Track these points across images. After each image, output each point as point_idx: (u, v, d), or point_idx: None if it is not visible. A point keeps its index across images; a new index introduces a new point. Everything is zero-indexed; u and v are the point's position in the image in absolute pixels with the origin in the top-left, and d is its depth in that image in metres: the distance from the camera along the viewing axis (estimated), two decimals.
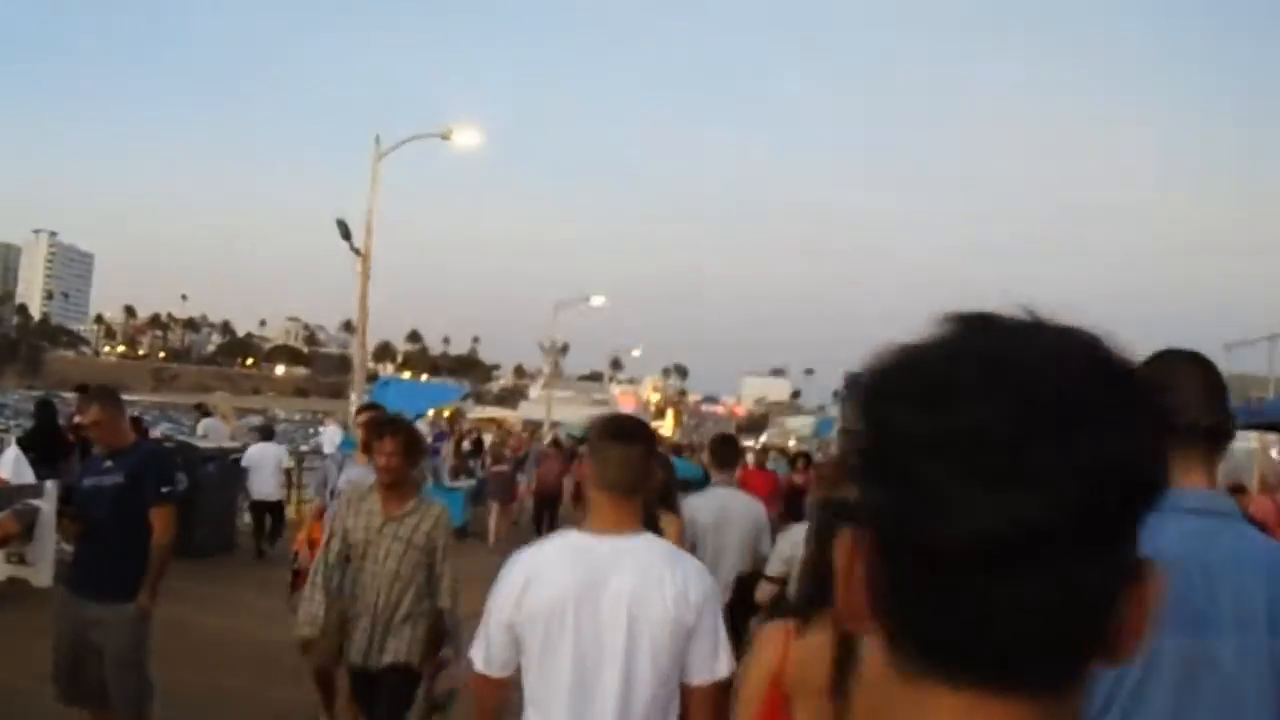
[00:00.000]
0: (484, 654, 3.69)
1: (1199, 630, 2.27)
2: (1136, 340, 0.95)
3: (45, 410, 16.14)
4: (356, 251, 23.42)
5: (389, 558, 6.27)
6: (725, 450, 9.13)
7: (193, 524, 15.03)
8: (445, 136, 24.59)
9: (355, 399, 23.03)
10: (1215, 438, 2.47)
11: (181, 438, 20.10)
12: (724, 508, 8.03)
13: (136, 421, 17.01)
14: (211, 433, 20.43)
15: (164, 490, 6.76)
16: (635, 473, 3.70)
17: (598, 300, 55.91)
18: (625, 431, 3.81)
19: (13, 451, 13.41)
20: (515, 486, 22.44)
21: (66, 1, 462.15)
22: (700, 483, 16.56)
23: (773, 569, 7.02)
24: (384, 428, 6.52)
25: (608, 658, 3.52)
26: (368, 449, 7.68)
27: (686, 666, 3.61)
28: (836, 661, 3.27)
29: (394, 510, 6.34)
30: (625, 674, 3.52)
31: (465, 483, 23.63)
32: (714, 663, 3.65)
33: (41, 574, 12.01)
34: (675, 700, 3.65)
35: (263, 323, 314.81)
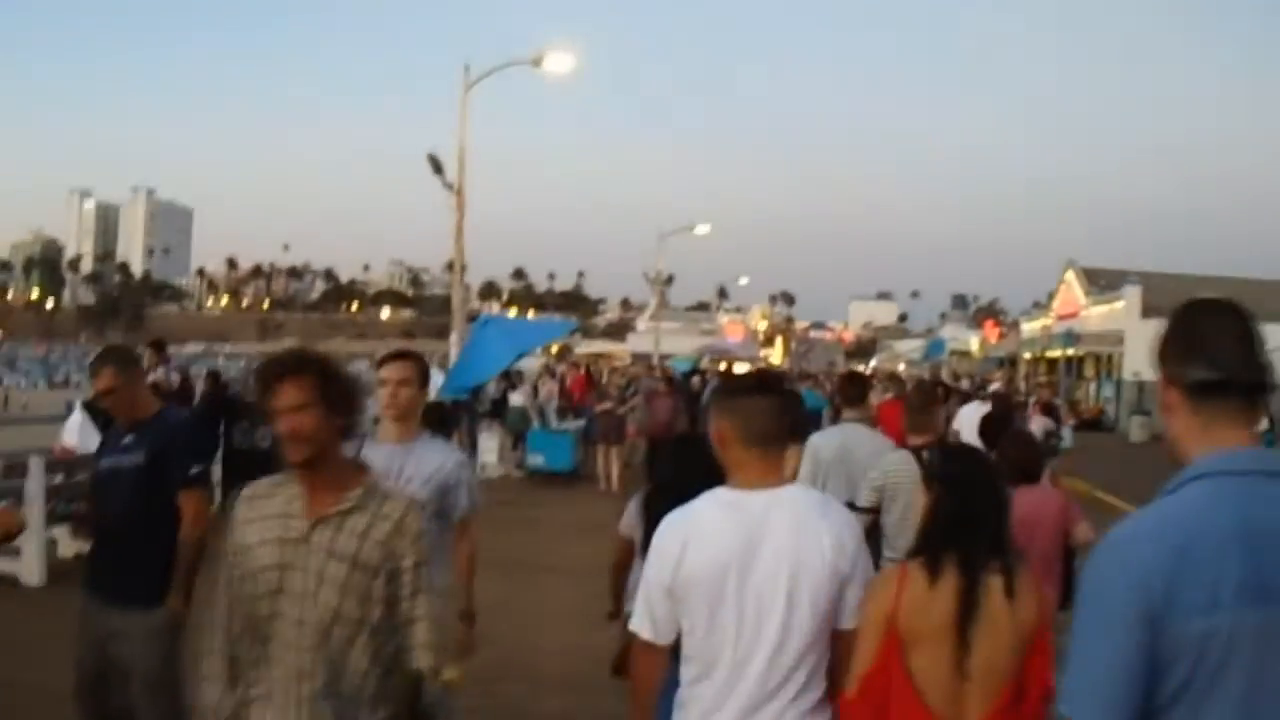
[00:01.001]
0: (650, 622, 3.62)
1: (1272, 602, 2.22)
2: None
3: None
4: (449, 186, 22.32)
5: (321, 587, 3.57)
6: (853, 389, 9.10)
7: None
8: (536, 63, 23.12)
9: (456, 340, 21.89)
10: (1255, 391, 2.39)
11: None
12: (845, 444, 7.92)
13: (215, 376, 15.81)
14: None
15: (194, 471, 5.51)
16: (776, 424, 3.66)
17: (702, 229, 55.33)
18: (760, 385, 3.81)
19: (78, 416, 12.25)
20: (624, 426, 21.05)
21: None
22: (819, 414, 18.33)
23: (864, 499, 6.92)
24: (285, 367, 3.73)
25: (768, 612, 3.48)
26: (402, 417, 5.50)
27: (839, 612, 3.57)
28: (961, 607, 3.53)
29: (324, 506, 3.67)
30: (784, 625, 3.48)
31: (573, 424, 22.72)
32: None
33: (30, 569, 10.96)
34: (827, 644, 3.59)
35: (366, 268, 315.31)
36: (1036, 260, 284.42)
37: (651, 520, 4.94)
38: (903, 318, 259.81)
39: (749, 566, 3.48)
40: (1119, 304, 47.23)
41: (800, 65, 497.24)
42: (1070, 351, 49.46)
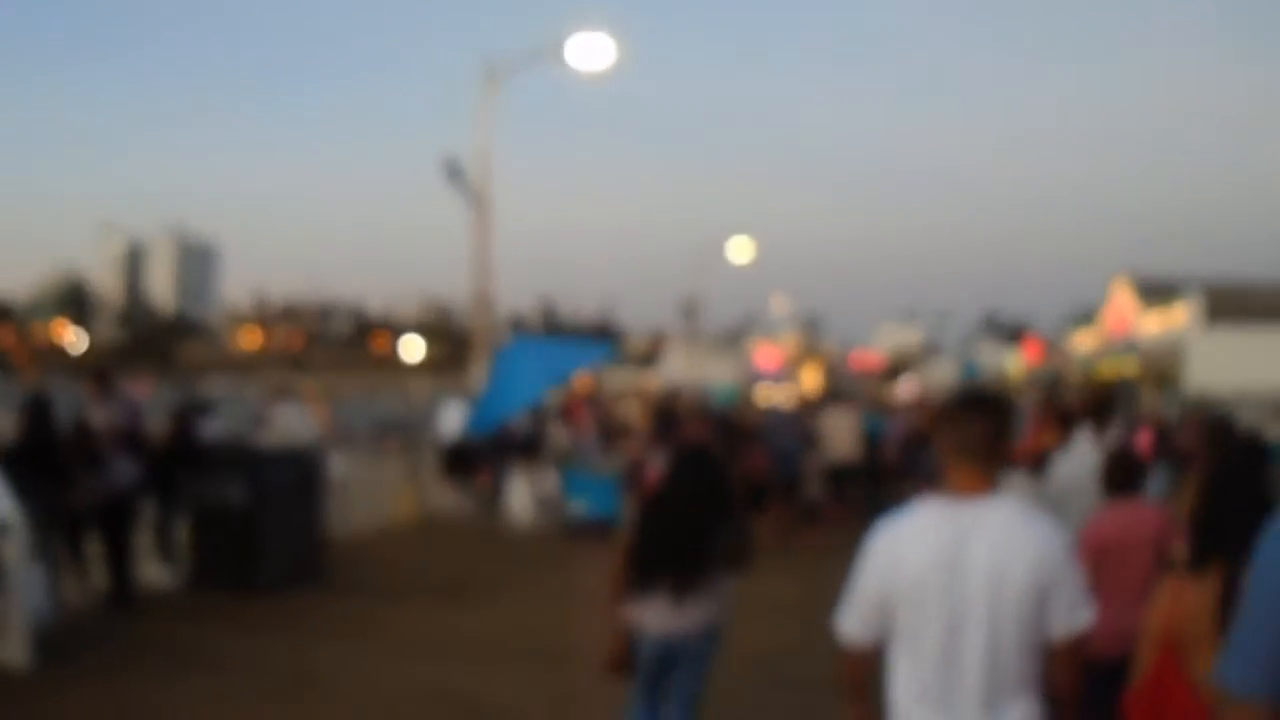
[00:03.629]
0: (857, 624, 3.91)
1: None
2: None
3: (37, 409, 11.54)
4: (468, 195, 20.16)
5: None
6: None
7: (256, 550, 12.08)
8: (563, 56, 20.79)
9: (477, 366, 19.67)
10: None
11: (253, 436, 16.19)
12: None
13: (184, 415, 13.57)
14: (290, 425, 15.95)
15: None
16: (990, 440, 3.82)
17: (742, 249, 53.91)
18: (982, 403, 3.97)
19: None
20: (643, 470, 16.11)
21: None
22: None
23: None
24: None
25: (973, 621, 3.64)
26: None
27: (1047, 622, 3.70)
28: (1221, 607, 3.66)
29: None
30: (991, 635, 3.64)
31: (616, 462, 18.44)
32: (1073, 616, 3.74)
33: (11, 647, 8.99)
34: (1035, 653, 3.71)
35: (394, 303, 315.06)
36: (1067, 275, 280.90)
37: (645, 532, 6.05)
38: (929, 340, 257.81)
39: (957, 573, 3.67)
40: (1179, 314, 44.67)
41: (810, 88, 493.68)
42: (1129, 366, 46.75)
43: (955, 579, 3.65)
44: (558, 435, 19.41)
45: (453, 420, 19.64)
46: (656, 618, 6.07)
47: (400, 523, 18.22)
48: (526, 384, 14.96)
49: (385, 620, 11.33)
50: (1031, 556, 3.65)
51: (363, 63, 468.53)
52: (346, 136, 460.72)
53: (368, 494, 17.86)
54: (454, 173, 19.44)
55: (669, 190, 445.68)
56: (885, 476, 19.50)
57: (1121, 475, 6.46)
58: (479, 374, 18.93)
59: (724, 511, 6.25)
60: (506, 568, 14.52)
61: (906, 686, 3.77)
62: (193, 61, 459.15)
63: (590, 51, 20.93)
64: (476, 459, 19.58)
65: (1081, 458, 7.92)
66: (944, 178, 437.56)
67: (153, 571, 12.62)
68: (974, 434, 3.80)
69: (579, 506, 17.34)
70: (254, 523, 12.04)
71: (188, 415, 13.50)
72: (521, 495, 18.26)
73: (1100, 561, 5.81)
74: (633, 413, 20.46)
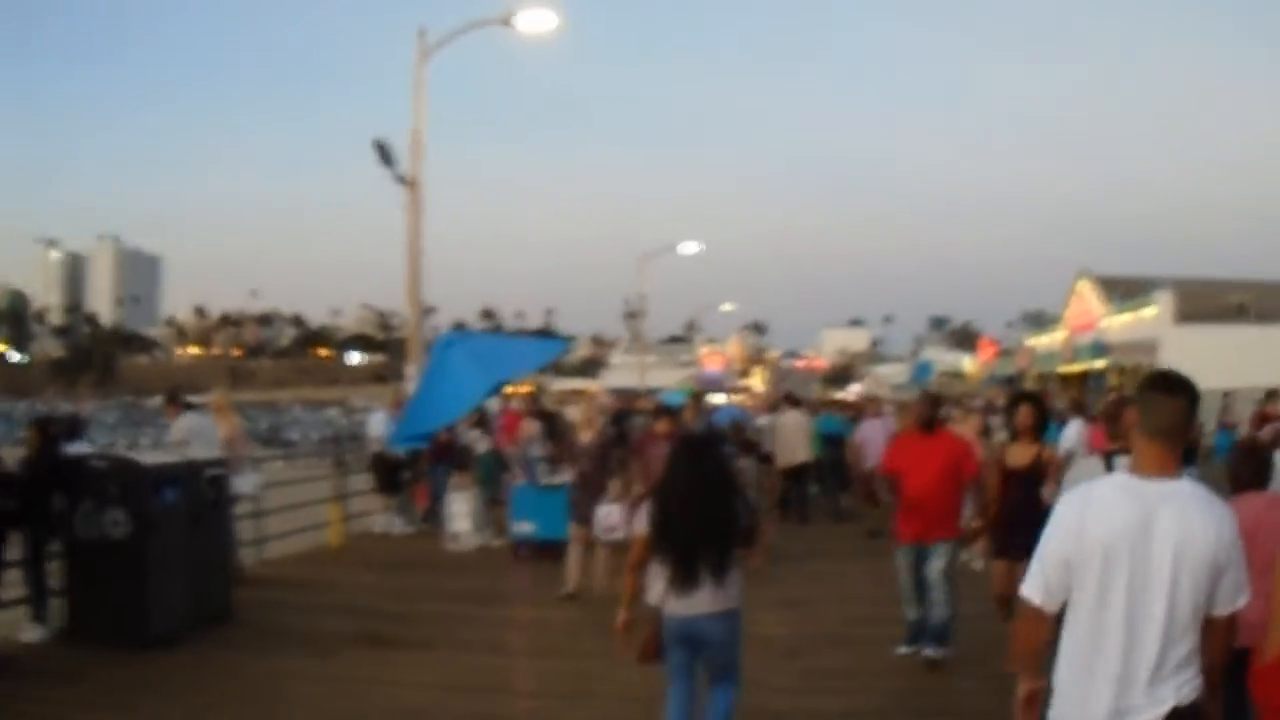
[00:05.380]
0: (1042, 587, 4.00)
1: None
2: None
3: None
4: (402, 180, 18.23)
5: None
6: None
7: (142, 592, 9.94)
8: (506, 22, 18.74)
9: (412, 366, 17.78)
10: None
11: (145, 447, 13.31)
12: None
13: (41, 425, 11.25)
14: (199, 437, 12.99)
15: None
16: (1177, 422, 3.98)
17: (688, 247, 53.35)
18: (1173, 384, 4.07)
19: None
20: (600, 487, 12.66)
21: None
22: (841, 438, 19.99)
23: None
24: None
25: (1155, 592, 3.80)
26: None
27: (1213, 599, 3.86)
28: None
29: None
30: (1169, 607, 3.80)
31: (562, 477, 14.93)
32: (1236, 596, 3.92)
33: None
34: (1200, 627, 3.87)
35: (336, 312, 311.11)
36: (1013, 278, 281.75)
37: (660, 522, 6.26)
38: (875, 343, 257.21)
39: (1140, 546, 3.82)
40: (1149, 311, 44.17)
41: (739, 96, 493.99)
42: (1099, 364, 45.85)
43: (1142, 547, 3.82)
44: (479, 444, 17.25)
45: (380, 428, 17.54)
46: (675, 602, 6.24)
47: (325, 547, 16.24)
48: (468, 385, 12.73)
49: (303, 676, 9.25)
50: (1212, 535, 3.83)
51: (300, 62, 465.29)
52: (288, 144, 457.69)
53: (290, 514, 15.83)
54: (385, 153, 17.49)
55: (609, 194, 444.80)
56: (847, 477, 19.84)
57: (1251, 468, 6.44)
58: (415, 376, 16.79)
59: (729, 496, 6.39)
60: (446, 602, 12.42)
61: (1078, 656, 3.93)
62: (128, 70, 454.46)
63: (532, 22, 18.97)
64: (411, 472, 17.57)
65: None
66: (889, 180, 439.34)
67: (16, 624, 10.38)
68: (1169, 416, 3.98)
69: (525, 526, 15.05)
70: (140, 558, 9.87)
71: (49, 428, 11.14)
72: (461, 513, 16.07)
73: None
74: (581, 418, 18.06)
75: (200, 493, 10.84)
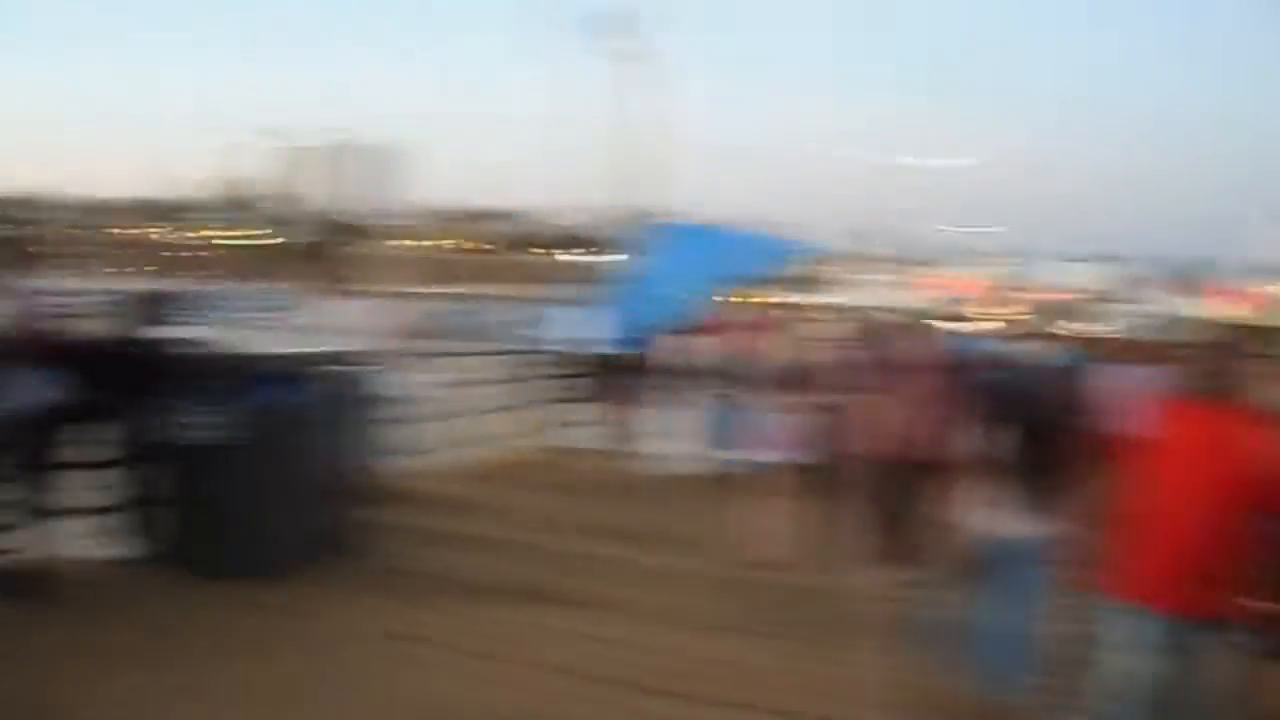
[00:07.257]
0: None
1: None
2: None
3: None
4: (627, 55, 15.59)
5: None
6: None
7: (242, 515, 7.89)
8: None
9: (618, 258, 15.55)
10: None
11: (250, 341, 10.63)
12: None
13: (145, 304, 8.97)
14: (355, 325, 10.88)
15: None
16: None
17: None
18: None
19: None
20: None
21: None
22: None
23: None
24: None
25: None
26: None
27: None
28: None
29: None
30: None
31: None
32: None
33: None
34: None
35: (554, 211, 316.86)
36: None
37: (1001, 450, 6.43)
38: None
39: None
40: None
41: None
42: None
43: None
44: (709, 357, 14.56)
45: (568, 329, 15.51)
46: (999, 522, 6.31)
47: (506, 462, 14.02)
48: (684, 280, 11.04)
49: (414, 638, 7.12)
50: None
51: None
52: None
53: (470, 421, 14.02)
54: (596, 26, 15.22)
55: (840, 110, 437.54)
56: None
57: None
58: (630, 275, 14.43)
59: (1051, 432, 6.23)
60: (624, 545, 9.87)
61: None
62: None
63: None
64: (620, 378, 15.25)
65: None
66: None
67: (82, 541, 8.14)
68: None
69: (736, 452, 12.31)
70: (230, 470, 7.76)
71: (146, 308, 8.81)
72: (667, 431, 13.69)
73: None
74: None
75: (330, 392, 8.63)
